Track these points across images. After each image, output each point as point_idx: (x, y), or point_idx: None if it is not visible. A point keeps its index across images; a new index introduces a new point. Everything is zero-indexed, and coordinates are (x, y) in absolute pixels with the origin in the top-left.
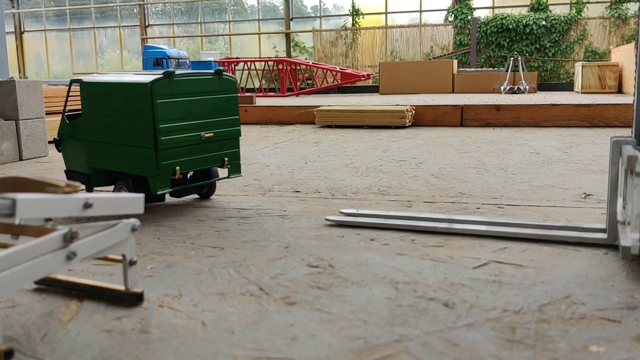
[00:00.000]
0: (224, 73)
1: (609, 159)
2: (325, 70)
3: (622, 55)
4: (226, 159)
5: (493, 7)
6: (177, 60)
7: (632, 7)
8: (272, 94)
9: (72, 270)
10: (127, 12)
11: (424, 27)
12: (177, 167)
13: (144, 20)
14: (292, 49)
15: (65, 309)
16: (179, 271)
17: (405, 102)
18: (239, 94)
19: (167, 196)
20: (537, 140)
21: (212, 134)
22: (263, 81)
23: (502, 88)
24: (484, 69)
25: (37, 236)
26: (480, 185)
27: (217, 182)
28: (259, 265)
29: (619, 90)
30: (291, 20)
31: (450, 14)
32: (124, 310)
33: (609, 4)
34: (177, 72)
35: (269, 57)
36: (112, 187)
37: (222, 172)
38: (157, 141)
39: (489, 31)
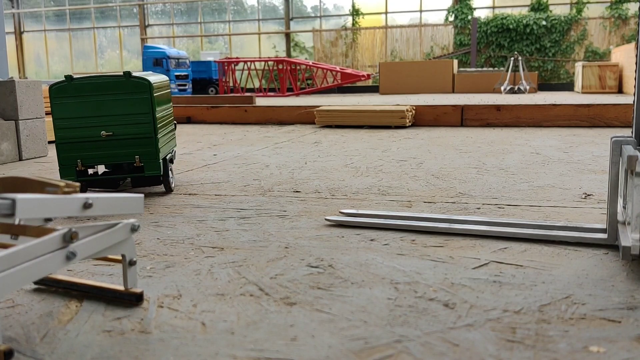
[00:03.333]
0: (133, 75)
1: (609, 159)
2: (325, 70)
3: (622, 55)
4: (137, 157)
5: (493, 7)
6: (176, 60)
7: (632, 7)
8: (272, 94)
9: (72, 270)
10: (127, 12)
11: (424, 27)
12: (79, 160)
13: (143, 20)
14: (292, 49)
15: (65, 309)
16: (178, 271)
17: (405, 102)
18: (239, 94)
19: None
20: (537, 140)
21: (111, 132)
22: (263, 81)
23: (502, 88)
24: (484, 69)
25: (37, 236)
26: (481, 186)
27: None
28: (259, 265)
29: (619, 90)
30: (291, 20)
31: (451, 14)
32: (124, 311)
33: (609, 4)
34: (84, 76)
35: (269, 57)
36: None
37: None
38: (55, 136)
39: (489, 31)
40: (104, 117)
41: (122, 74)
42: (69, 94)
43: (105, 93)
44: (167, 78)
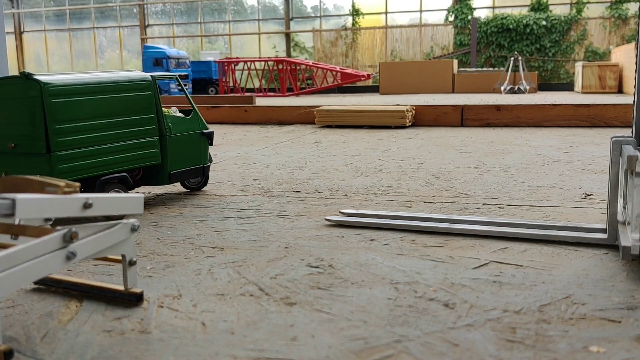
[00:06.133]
0: (30, 75)
1: (609, 159)
2: (325, 70)
3: (622, 55)
4: (39, 175)
5: (493, 7)
6: (176, 60)
7: (632, 7)
8: (272, 94)
9: (72, 270)
10: (127, 12)
11: (424, 27)
12: (4, 172)
13: (143, 20)
14: (292, 49)
15: (65, 309)
16: (178, 271)
17: (405, 102)
18: (239, 94)
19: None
20: (537, 140)
21: (12, 145)
22: (263, 81)
23: (502, 88)
24: (484, 69)
25: (37, 236)
26: (481, 186)
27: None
28: (259, 265)
29: (619, 90)
30: (291, 20)
31: (451, 14)
32: (124, 311)
33: (609, 4)
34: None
35: (269, 57)
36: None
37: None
38: None
39: (489, 31)
40: (10, 126)
41: (19, 74)
42: None
43: (9, 98)
44: (142, 77)
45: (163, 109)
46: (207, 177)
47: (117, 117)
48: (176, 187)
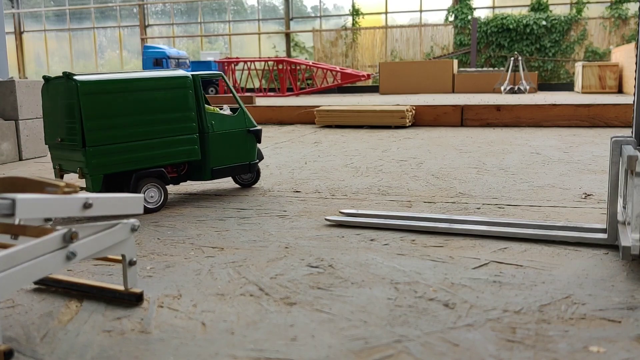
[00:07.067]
0: (72, 76)
1: (609, 159)
2: (325, 70)
3: (622, 55)
4: (79, 168)
5: (493, 7)
6: (176, 60)
7: (632, 7)
8: (272, 94)
9: (72, 270)
10: (127, 12)
11: (424, 27)
12: (58, 165)
13: (143, 20)
14: (292, 49)
15: (65, 309)
16: (178, 271)
17: (405, 102)
18: (239, 94)
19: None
20: (537, 140)
21: (59, 138)
22: (263, 81)
23: (502, 88)
24: (484, 69)
25: (37, 236)
26: (481, 186)
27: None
28: (259, 265)
29: (619, 90)
30: (291, 20)
31: (451, 14)
32: (124, 311)
33: (609, 4)
34: (55, 76)
35: (269, 57)
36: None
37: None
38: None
39: (489, 31)
40: (59, 122)
41: (62, 74)
42: (44, 94)
43: (58, 97)
44: (180, 76)
45: (209, 106)
46: (259, 174)
47: (152, 114)
48: (175, 187)
